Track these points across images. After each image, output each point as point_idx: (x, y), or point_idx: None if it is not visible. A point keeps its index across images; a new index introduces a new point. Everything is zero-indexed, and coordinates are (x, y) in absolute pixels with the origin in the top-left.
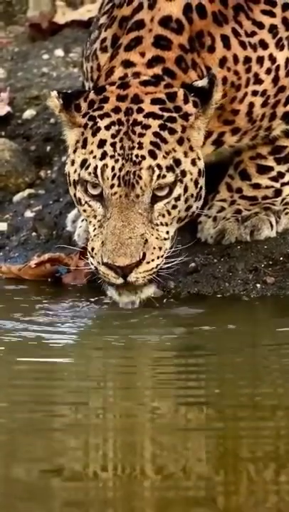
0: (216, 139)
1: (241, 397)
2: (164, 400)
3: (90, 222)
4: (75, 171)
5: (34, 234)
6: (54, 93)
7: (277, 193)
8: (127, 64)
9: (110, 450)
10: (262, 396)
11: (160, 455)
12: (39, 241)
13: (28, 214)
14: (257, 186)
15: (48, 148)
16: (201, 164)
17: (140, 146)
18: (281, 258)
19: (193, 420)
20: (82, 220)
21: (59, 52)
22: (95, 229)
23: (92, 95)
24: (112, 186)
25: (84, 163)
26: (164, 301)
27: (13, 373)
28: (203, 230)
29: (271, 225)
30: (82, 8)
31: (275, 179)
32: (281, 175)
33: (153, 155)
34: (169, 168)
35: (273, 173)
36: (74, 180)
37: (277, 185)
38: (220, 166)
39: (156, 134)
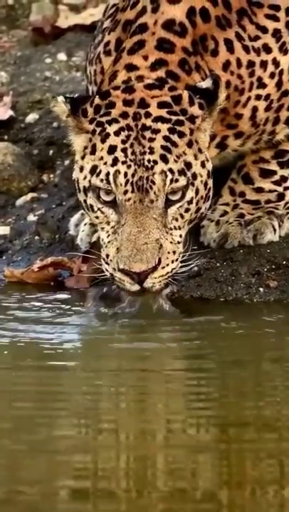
0: (220, 143)
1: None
2: (174, 414)
3: (103, 228)
4: (85, 178)
5: (37, 238)
6: (61, 98)
7: (280, 197)
8: (130, 67)
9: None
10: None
11: (169, 474)
12: (42, 245)
13: (31, 218)
14: (260, 190)
15: (51, 152)
16: (209, 166)
17: (151, 151)
18: (284, 262)
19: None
20: (85, 224)
21: (62, 56)
22: (108, 235)
23: (97, 100)
24: (125, 192)
25: (94, 170)
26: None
27: (16, 379)
28: (206, 234)
29: (274, 229)
30: (85, 12)
31: (278, 183)
32: (284, 179)
33: (165, 159)
34: (181, 172)
35: (276, 177)
36: (84, 186)
37: (280, 189)
38: (223, 170)
39: (166, 138)
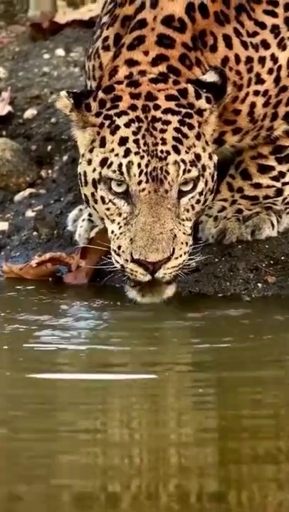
0: (217, 138)
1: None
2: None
3: (114, 220)
4: (94, 170)
5: (35, 233)
6: (63, 93)
7: (279, 192)
8: (131, 63)
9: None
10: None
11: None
12: (40, 240)
13: (29, 213)
14: (258, 186)
15: (49, 147)
16: (215, 158)
17: (164, 142)
18: (282, 257)
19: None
20: (83, 220)
21: (60, 51)
22: (120, 227)
23: (101, 94)
24: (139, 183)
25: (105, 162)
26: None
27: (15, 369)
28: (204, 230)
29: (272, 225)
30: (83, 7)
31: (276, 179)
32: (282, 174)
33: (177, 150)
34: (192, 163)
35: (274, 173)
36: (94, 179)
37: (279, 184)
38: (221, 166)
39: (177, 130)
